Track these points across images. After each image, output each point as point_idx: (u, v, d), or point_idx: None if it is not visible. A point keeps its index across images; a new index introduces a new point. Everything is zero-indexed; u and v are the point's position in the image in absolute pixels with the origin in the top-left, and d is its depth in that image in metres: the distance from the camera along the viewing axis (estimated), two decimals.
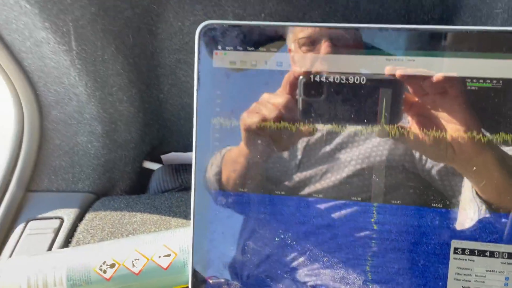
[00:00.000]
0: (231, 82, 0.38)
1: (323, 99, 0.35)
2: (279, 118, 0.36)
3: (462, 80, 0.33)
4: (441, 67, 0.33)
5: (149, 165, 0.59)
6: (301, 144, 0.37)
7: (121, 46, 0.46)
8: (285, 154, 0.37)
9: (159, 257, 0.40)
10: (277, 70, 0.37)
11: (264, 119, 0.36)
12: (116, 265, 0.39)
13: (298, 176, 0.37)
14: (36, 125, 0.49)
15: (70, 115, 0.48)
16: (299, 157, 0.37)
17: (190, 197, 0.52)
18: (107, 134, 0.51)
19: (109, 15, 0.43)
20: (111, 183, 0.55)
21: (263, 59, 0.37)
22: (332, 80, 0.35)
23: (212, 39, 0.38)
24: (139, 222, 0.49)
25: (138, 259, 0.40)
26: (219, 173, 0.39)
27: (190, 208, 0.51)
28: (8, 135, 0.51)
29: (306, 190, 0.37)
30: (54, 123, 0.49)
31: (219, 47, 0.38)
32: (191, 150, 0.62)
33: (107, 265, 0.39)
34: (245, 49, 0.38)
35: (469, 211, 0.33)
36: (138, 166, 0.58)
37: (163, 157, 0.61)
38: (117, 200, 0.52)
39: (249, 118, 0.35)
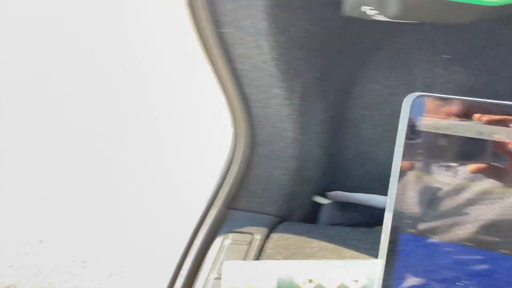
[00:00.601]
0: (431, 144, 0.46)
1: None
2: None
3: None
4: None
5: (318, 199, 0.69)
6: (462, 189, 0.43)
7: (326, 103, 0.56)
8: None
9: (350, 281, 0.48)
10: (477, 139, 0.44)
11: None
12: (315, 282, 0.48)
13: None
14: (245, 157, 0.61)
15: (273, 152, 0.60)
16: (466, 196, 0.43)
17: (362, 233, 0.60)
18: (298, 170, 0.61)
19: (325, 79, 0.54)
20: (291, 210, 0.65)
21: (463, 128, 0.44)
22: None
23: (418, 108, 0.46)
24: (316, 247, 0.58)
25: (331, 279, 0.48)
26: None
27: (360, 243, 0.59)
28: (220, 161, 0.64)
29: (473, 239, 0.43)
30: (259, 157, 0.61)
31: (424, 115, 0.46)
32: (356, 191, 0.71)
33: (307, 280, 0.49)
34: (446, 118, 0.45)
35: None
36: (312, 199, 0.68)
37: (329, 193, 0.70)
38: (297, 225, 0.62)
39: None
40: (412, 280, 0.45)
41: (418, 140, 0.46)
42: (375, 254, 0.56)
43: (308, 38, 0.49)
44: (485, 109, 0.44)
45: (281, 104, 0.54)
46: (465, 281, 0.43)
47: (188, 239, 0.60)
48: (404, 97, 0.52)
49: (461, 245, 0.44)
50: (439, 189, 0.45)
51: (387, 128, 0.60)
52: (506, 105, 0.43)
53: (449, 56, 0.53)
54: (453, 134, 0.45)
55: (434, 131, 0.46)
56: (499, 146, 0.42)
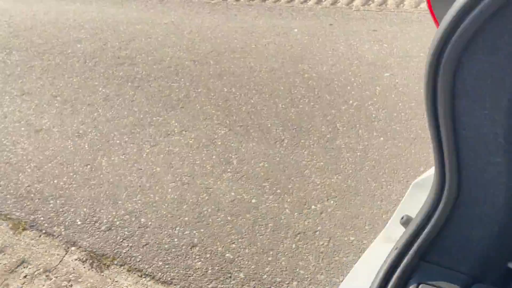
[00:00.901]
0: None
1: None
2: None
3: None
4: None
5: None
6: None
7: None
8: None
9: None
10: None
11: None
12: None
13: None
14: (446, 214, 0.63)
15: (476, 214, 0.61)
16: None
17: None
18: (497, 235, 0.62)
19: None
20: (484, 273, 0.65)
21: None
22: None
23: None
24: None
25: None
26: None
27: None
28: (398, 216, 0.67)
29: None
30: (461, 216, 0.63)
31: None
32: None
33: None
34: None
35: None
36: (506, 265, 0.67)
37: None
38: None
39: None
40: None
41: None
42: None
43: None
44: None
45: (499, 171, 0.55)
46: None
47: (377, 284, 0.64)
48: None
49: None
50: None
51: None
52: None
53: None
54: None
55: None
56: None
